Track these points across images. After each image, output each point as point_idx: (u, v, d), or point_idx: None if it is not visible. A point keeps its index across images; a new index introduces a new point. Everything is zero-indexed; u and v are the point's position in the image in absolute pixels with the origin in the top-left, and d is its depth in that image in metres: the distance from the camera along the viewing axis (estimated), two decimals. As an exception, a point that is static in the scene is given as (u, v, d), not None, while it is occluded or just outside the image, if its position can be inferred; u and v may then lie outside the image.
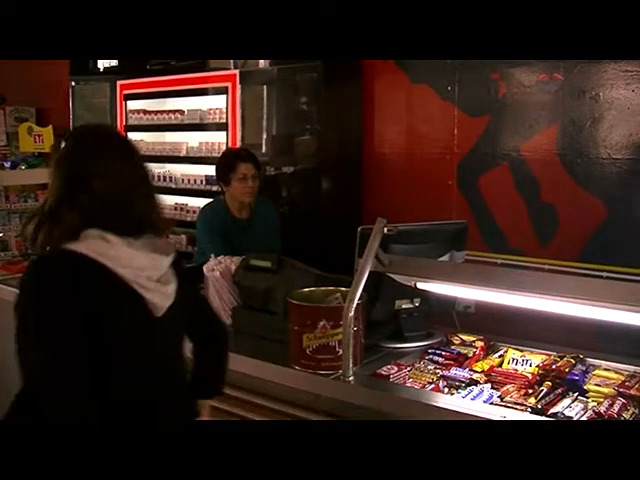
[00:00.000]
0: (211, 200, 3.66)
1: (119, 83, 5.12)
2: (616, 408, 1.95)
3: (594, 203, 3.43)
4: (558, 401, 2.05)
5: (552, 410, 1.98)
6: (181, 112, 4.77)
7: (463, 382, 2.21)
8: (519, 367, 2.31)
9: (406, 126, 4.14)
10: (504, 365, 2.34)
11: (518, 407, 1.99)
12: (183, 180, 4.79)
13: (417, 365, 2.35)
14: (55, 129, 4.93)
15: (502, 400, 2.07)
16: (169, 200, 4.94)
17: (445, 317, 2.69)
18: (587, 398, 2.08)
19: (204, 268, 2.78)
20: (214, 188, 4.31)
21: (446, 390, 2.19)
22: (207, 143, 4.64)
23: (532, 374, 2.23)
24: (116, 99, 5.16)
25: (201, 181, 4.65)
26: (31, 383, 1.52)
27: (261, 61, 4.32)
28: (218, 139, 4.52)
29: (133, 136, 5.09)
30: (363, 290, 2.14)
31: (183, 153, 4.81)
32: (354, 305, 2.10)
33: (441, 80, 3.90)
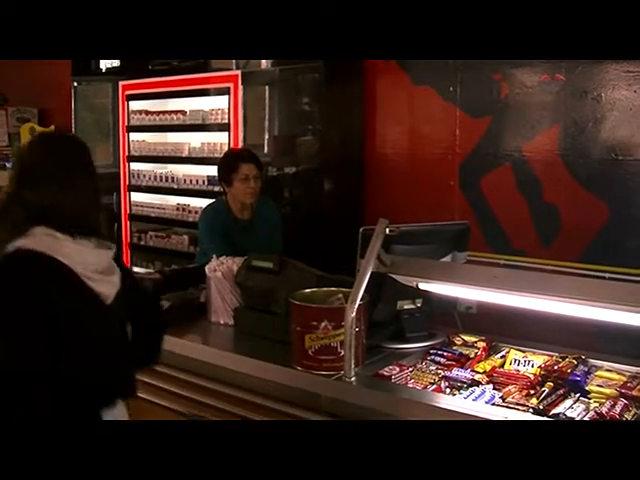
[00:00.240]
0: (213, 200, 3.65)
1: (121, 83, 5.12)
2: (618, 409, 1.94)
3: (596, 204, 3.43)
4: (560, 402, 2.04)
5: (554, 411, 1.97)
6: (183, 113, 4.77)
7: (465, 383, 2.21)
8: (521, 368, 2.30)
9: (408, 127, 4.14)
10: (506, 366, 2.34)
11: (520, 408, 1.99)
12: (185, 180, 4.80)
13: (419, 366, 2.35)
14: (57, 130, 4.93)
15: (504, 401, 2.06)
16: (171, 200, 4.96)
17: (447, 318, 2.68)
18: (589, 399, 2.08)
19: (206, 269, 2.78)
20: (216, 189, 4.30)
21: (448, 391, 2.19)
22: (209, 144, 4.64)
23: (534, 375, 2.23)
24: (118, 100, 5.15)
25: (203, 182, 4.65)
26: None
27: (263, 62, 4.32)
28: (220, 140, 4.51)
29: (135, 137, 5.12)
30: (365, 291, 2.14)
31: (185, 154, 4.81)
32: (356, 306, 2.10)
33: (443, 81, 3.90)
